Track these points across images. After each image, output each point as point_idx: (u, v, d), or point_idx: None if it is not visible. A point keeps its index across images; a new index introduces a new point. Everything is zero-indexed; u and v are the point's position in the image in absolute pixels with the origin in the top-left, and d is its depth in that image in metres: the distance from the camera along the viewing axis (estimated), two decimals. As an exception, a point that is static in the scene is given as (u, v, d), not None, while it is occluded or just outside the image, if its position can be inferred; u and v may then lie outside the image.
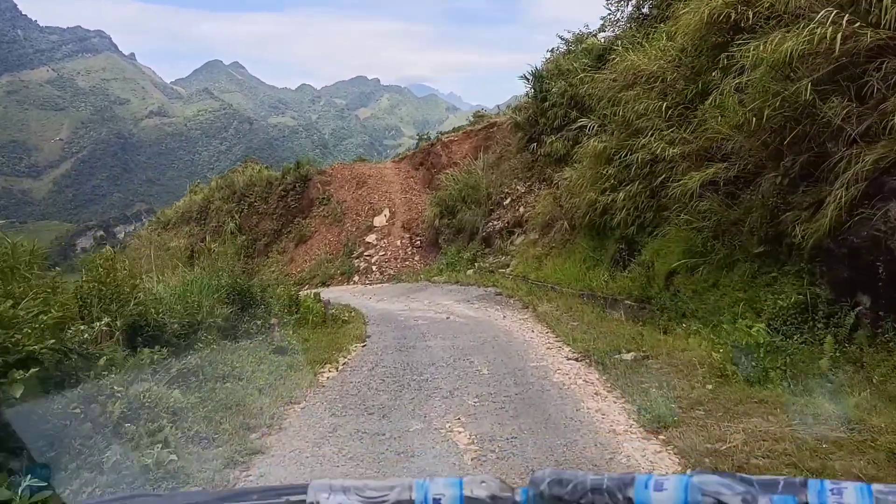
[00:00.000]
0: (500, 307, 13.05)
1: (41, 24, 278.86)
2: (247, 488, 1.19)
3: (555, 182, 16.90)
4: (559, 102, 18.04)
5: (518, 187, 20.73)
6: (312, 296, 13.64)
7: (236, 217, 31.98)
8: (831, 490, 0.63)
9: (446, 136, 27.67)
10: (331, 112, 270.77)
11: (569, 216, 14.97)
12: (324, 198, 29.62)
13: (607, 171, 12.22)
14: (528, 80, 20.11)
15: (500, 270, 18.21)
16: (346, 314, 12.96)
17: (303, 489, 0.78)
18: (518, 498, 0.73)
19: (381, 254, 23.76)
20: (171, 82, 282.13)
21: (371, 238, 25.09)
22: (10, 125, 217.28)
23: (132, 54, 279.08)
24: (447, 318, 11.91)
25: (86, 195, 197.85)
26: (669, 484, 0.67)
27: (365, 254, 24.29)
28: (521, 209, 20.12)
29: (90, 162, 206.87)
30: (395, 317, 12.76)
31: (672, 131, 9.56)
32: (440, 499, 0.73)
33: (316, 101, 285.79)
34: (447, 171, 22.90)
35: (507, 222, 20.02)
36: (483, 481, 0.75)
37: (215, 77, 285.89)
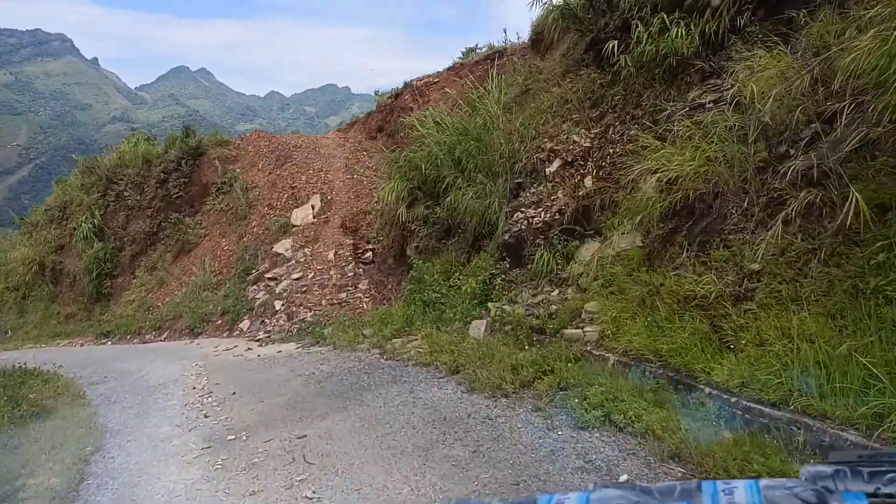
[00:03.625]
0: None
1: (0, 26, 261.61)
2: None
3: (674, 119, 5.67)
4: None
5: (574, 138, 9.26)
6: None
7: (96, 214, 19.92)
8: (723, 490, 0.63)
9: (422, 79, 16.09)
10: (300, 119, 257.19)
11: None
12: (224, 182, 17.74)
13: None
14: None
15: (554, 323, 6.89)
16: None
17: None
18: None
19: (295, 276, 11.97)
20: (135, 88, 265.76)
21: (283, 246, 13.31)
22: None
23: (95, 59, 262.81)
24: None
25: (43, 203, 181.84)
26: (570, 502, 0.65)
27: (268, 276, 12.51)
28: (588, 182, 8.72)
29: (48, 168, 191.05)
30: None
31: None
32: None
33: (285, 109, 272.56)
34: (424, 114, 11.13)
35: (559, 211, 8.54)
36: None
37: (182, 83, 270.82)
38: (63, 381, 8.60)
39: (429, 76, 15.99)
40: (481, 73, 13.22)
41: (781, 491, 0.61)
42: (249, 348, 9.82)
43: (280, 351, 9.13)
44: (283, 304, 11.25)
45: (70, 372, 10.39)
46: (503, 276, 8.40)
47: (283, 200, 15.75)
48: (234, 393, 6.87)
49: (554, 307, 7.60)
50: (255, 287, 12.49)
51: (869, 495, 0.61)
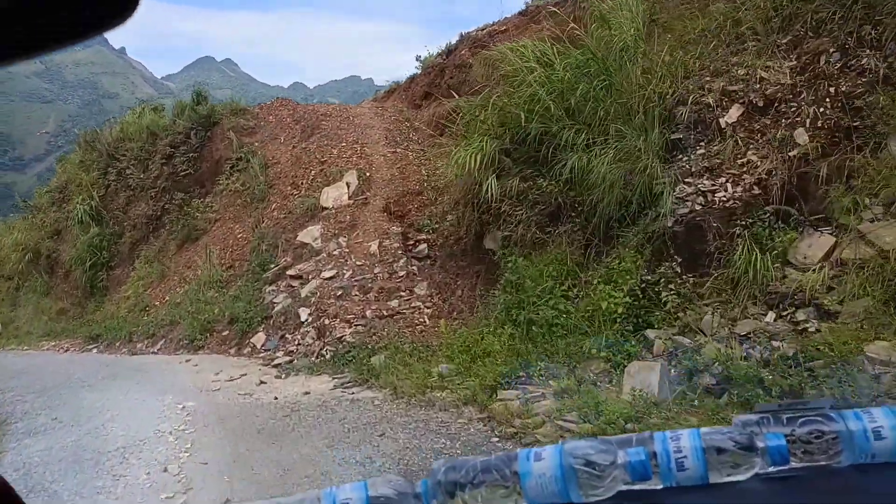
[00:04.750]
0: None
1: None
2: None
3: None
4: None
5: (761, 73, 5.93)
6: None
7: (95, 195, 16.96)
8: (671, 437, 0.72)
9: (483, 28, 12.75)
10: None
11: None
12: (239, 158, 14.61)
13: None
14: None
15: (797, 379, 3.59)
16: None
17: None
18: (419, 490, 0.73)
19: (327, 274, 8.69)
20: (161, 78, 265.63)
21: (310, 235, 10.09)
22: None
23: (122, 49, 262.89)
24: None
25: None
26: (546, 454, 0.71)
27: (291, 273, 9.31)
28: (801, 137, 5.42)
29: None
30: None
31: None
32: (348, 501, 0.70)
33: (309, 99, 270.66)
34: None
35: (758, 183, 5.26)
36: (388, 480, 0.72)
37: (207, 73, 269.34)
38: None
39: (492, 25, 12.65)
40: (572, 11, 9.83)
41: (718, 435, 0.72)
42: (263, 381, 6.65)
43: (307, 392, 5.94)
44: (310, 314, 8.05)
45: (19, 401, 7.42)
46: (669, 287, 5.10)
47: (311, 178, 12.57)
48: None
49: (783, 345, 4.33)
50: (272, 288, 9.34)
51: (786, 436, 0.72)
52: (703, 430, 0.72)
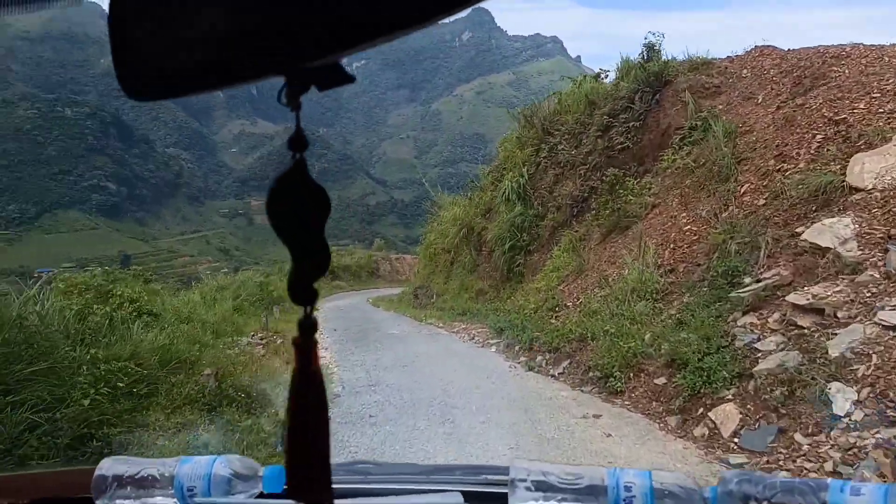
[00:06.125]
0: None
1: (509, 34, 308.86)
2: (450, 465, 1.48)
3: None
4: None
5: None
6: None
7: (524, 172, 15.44)
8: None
9: None
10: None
11: None
12: (693, 127, 10.67)
13: None
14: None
15: None
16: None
17: (504, 469, 0.83)
18: (707, 494, 0.71)
19: (890, 317, 4.21)
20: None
21: (828, 234, 5.51)
22: (476, 120, 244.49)
23: (578, 57, 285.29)
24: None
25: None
26: (867, 490, 0.65)
27: (793, 300, 5.02)
28: None
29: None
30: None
31: None
32: (631, 486, 0.71)
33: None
34: None
35: None
36: (675, 476, 0.72)
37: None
38: None
39: None
40: None
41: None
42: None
43: None
44: (858, 400, 3.67)
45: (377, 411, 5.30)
46: None
47: (813, 147, 7.74)
48: None
49: None
50: (751, 320, 5.16)
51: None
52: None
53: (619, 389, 5.78)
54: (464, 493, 0.91)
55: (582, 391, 6.14)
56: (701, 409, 4.75)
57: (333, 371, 7.84)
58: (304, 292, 0.42)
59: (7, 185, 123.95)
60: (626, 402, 5.54)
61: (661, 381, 5.49)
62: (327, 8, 0.35)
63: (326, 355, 9.34)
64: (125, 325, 5.81)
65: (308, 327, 0.42)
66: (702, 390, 4.89)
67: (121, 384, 3.96)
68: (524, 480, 0.75)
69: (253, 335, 10.87)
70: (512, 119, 19.53)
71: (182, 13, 0.38)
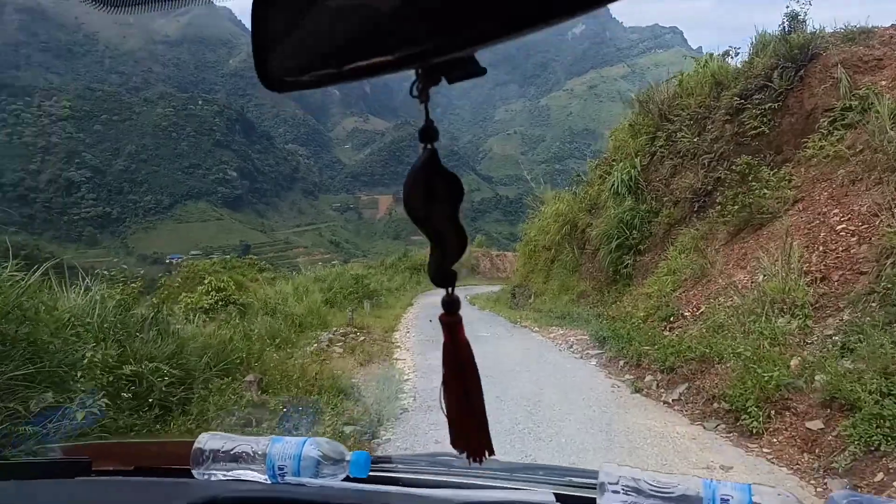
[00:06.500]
0: None
1: (625, 25, 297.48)
2: (533, 464, 1.44)
3: None
4: None
5: None
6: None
7: (637, 163, 13.92)
8: None
9: None
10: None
11: None
12: (847, 107, 8.85)
13: None
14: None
15: None
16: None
17: (592, 473, 0.81)
18: None
19: None
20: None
21: None
22: (586, 115, 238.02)
23: (699, 48, 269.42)
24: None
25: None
26: None
27: None
28: None
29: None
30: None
31: None
32: (728, 499, 0.68)
33: None
34: None
35: None
36: (777, 493, 0.69)
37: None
38: None
39: None
40: None
41: None
42: None
43: None
44: None
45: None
46: None
47: None
48: None
49: None
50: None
51: None
52: None
53: (755, 430, 4.47)
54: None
55: (704, 427, 4.88)
56: (881, 475, 3.41)
57: (409, 377, 7.05)
58: (443, 276, 0.45)
59: (145, 177, 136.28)
60: (766, 450, 4.24)
61: (815, 424, 4.15)
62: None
63: (406, 358, 8.58)
64: (181, 319, 5.29)
65: (450, 304, 0.46)
66: (881, 447, 3.54)
67: (126, 394, 3.36)
68: (614, 484, 0.74)
69: (336, 330, 10.36)
70: (626, 107, 17.90)
71: (321, 12, 0.39)
